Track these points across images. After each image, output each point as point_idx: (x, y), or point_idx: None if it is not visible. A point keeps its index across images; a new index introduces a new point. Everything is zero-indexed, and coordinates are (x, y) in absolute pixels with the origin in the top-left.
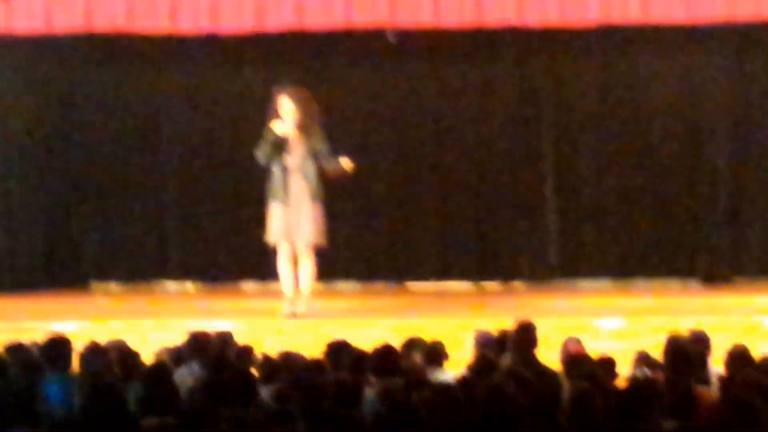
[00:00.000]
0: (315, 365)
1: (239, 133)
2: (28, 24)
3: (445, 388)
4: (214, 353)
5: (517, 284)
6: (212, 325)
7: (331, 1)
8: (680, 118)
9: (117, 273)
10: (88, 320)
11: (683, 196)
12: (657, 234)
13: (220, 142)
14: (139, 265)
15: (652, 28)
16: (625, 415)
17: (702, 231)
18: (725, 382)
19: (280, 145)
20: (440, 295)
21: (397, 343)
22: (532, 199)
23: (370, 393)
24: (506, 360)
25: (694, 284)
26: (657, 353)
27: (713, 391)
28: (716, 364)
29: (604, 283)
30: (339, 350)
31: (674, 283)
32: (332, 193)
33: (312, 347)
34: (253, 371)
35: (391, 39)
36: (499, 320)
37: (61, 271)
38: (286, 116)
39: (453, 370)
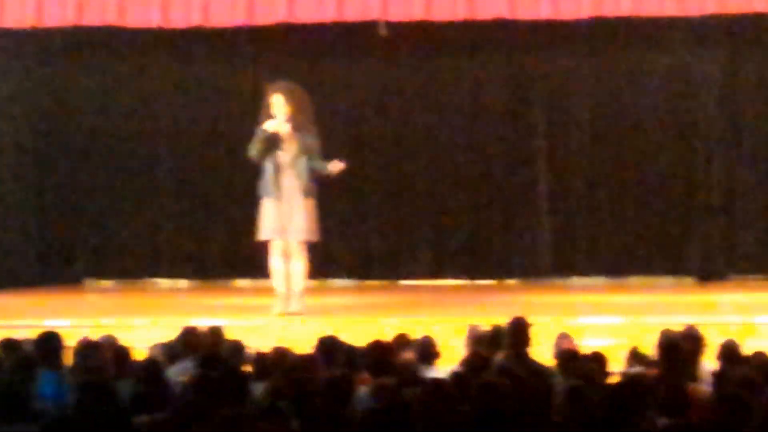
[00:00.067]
0: (307, 361)
1: (232, 128)
2: (19, 17)
3: (437, 385)
4: (205, 350)
5: (511, 282)
6: (205, 323)
7: None
8: (673, 111)
9: (110, 271)
10: (81, 318)
11: (676, 192)
12: (650, 231)
13: (213, 138)
14: (132, 263)
15: (645, 21)
16: (618, 411)
17: (695, 229)
18: (718, 378)
19: (272, 142)
20: (434, 292)
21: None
22: (526, 197)
23: (362, 389)
24: (499, 357)
25: (687, 282)
26: (650, 350)
27: (706, 387)
28: (709, 361)
29: (597, 281)
30: (330, 346)
31: (667, 281)
32: (326, 191)
33: (305, 344)
34: (246, 368)
35: (383, 32)
36: (493, 318)
37: (54, 268)
38: (279, 113)
39: (445, 366)
